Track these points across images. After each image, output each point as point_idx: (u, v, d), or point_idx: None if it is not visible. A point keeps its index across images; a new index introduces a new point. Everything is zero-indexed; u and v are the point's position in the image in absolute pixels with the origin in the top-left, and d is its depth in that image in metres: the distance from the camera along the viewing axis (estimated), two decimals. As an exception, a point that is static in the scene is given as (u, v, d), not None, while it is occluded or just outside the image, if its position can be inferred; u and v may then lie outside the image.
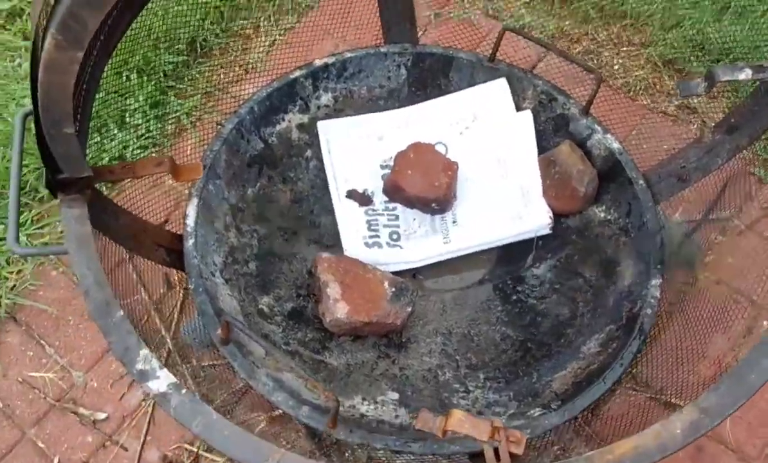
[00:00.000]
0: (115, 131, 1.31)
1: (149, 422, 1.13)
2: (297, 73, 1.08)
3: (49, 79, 0.59)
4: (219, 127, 1.00)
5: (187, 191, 1.05)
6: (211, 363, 0.97)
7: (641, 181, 1.02)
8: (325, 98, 1.11)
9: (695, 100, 1.37)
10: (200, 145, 1.33)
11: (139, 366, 0.65)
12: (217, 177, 0.99)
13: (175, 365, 0.96)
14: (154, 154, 1.34)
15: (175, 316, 1.18)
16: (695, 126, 1.37)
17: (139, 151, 1.32)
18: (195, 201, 0.94)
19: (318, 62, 1.09)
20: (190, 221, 0.92)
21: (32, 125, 0.68)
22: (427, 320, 1.05)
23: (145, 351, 0.66)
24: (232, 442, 0.61)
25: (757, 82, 0.86)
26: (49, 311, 1.21)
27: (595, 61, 1.43)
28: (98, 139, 1.26)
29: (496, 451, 0.62)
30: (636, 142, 1.23)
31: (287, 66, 1.10)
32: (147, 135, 1.34)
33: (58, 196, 0.74)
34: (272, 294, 1.00)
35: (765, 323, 1.24)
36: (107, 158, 1.29)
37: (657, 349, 0.98)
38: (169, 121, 1.37)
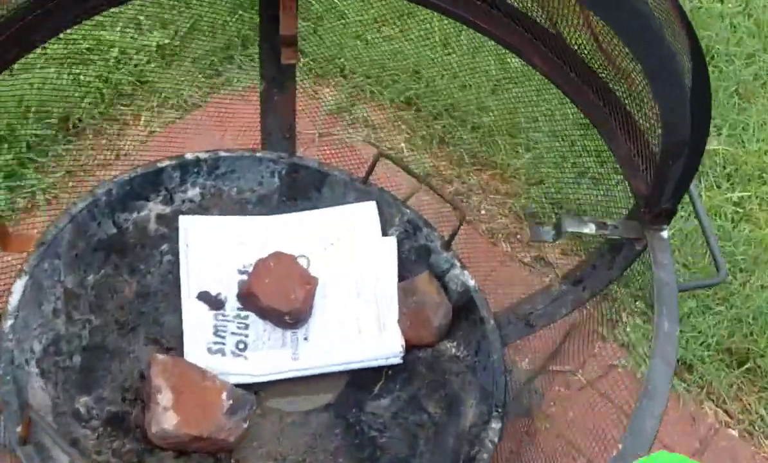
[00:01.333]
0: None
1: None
2: (166, 163, 1.04)
3: None
4: (71, 204, 0.93)
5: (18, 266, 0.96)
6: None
7: (492, 322, 1.04)
8: (192, 193, 1.08)
9: (551, 254, 1.45)
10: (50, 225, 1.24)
11: None
12: (56, 256, 0.91)
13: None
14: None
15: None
16: (549, 278, 1.44)
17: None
18: (24, 278, 0.86)
19: (189, 155, 1.06)
20: (14, 300, 0.84)
21: None
22: (261, 441, 0.99)
23: None
24: None
25: (602, 239, 0.92)
26: None
27: (464, 202, 1.49)
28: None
29: None
30: (492, 286, 1.27)
31: (160, 157, 1.06)
32: (-8, 205, 1.24)
33: None
34: (94, 394, 0.91)
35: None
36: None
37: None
38: (22, 194, 1.28)
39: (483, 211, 1.49)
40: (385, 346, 1.05)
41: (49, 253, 0.90)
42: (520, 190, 1.51)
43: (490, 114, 1.55)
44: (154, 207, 1.05)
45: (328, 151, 1.41)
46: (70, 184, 1.32)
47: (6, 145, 1.33)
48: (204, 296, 1.05)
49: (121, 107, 1.52)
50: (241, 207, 1.12)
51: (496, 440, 0.93)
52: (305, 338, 1.06)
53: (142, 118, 1.52)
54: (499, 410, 0.96)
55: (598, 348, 1.41)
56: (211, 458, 0.94)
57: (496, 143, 1.54)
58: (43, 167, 1.35)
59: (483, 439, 0.93)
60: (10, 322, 0.82)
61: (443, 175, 1.51)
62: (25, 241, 0.74)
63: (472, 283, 1.08)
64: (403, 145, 1.54)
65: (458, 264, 1.09)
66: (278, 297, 1.03)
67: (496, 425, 0.95)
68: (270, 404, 1.03)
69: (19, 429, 0.74)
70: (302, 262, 1.10)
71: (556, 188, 1.46)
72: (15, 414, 0.77)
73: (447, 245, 1.10)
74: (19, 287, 0.85)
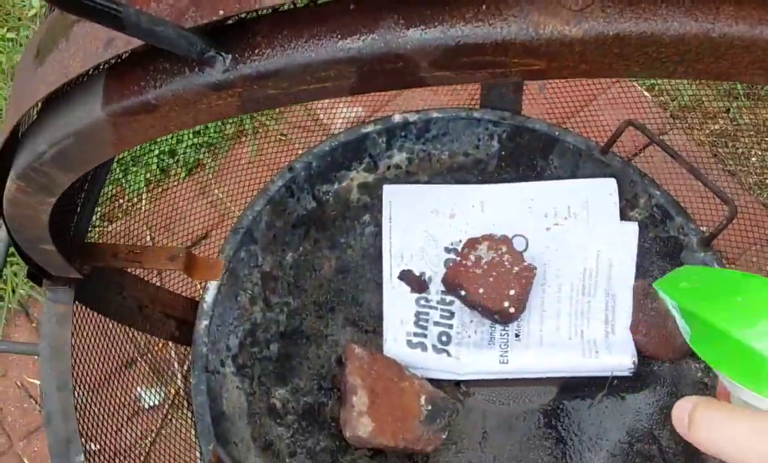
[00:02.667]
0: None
1: (144, 463, 1.03)
2: (370, 128, 0.91)
3: (14, 212, 0.45)
4: (268, 182, 0.85)
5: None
6: None
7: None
8: (399, 158, 0.94)
9: None
10: (258, 156, 1.18)
11: None
12: (252, 242, 0.84)
13: None
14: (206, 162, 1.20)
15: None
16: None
17: (191, 150, 1.19)
18: (223, 270, 0.80)
19: (397, 118, 0.92)
20: (209, 297, 0.79)
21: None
22: (462, 446, 0.90)
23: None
24: None
25: None
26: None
27: (729, 147, 1.19)
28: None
29: None
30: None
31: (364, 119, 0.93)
32: (205, 132, 1.21)
33: (42, 285, 0.62)
34: (290, 385, 0.86)
35: None
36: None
37: None
38: (230, 121, 1.22)
39: (753, 159, 1.19)
40: (611, 358, 0.89)
41: (246, 239, 0.83)
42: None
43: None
44: (357, 176, 0.93)
45: (560, 111, 1.17)
46: (278, 110, 1.23)
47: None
48: (406, 276, 0.94)
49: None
50: (452, 175, 0.96)
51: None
52: (516, 336, 0.92)
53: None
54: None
55: None
56: (408, 459, 0.88)
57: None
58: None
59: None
60: (204, 323, 0.78)
61: (707, 110, 1.21)
62: (212, 269, 0.67)
63: (735, 298, 0.85)
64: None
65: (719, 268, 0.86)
66: (488, 292, 0.89)
67: (747, 494, 0.76)
68: (471, 401, 0.93)
69: (209, 455, 0.71)
70: (519, 243, 0.94)
71: None
72: (207, 429, 0.74)
73: (707, 243, 0.87)
74: (213, 283, 0.79)
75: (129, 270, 0.75)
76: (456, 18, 0.27)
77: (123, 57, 0.32)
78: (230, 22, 0.29)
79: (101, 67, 0.32)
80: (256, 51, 0.28)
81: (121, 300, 0.73)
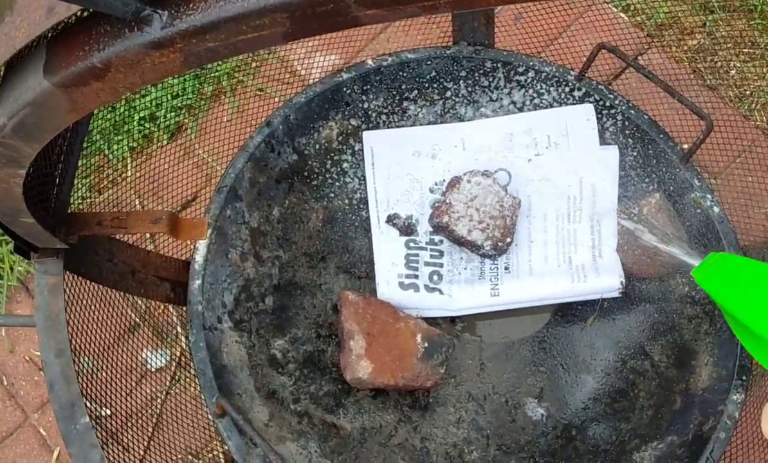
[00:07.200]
0: (151, 89, 1.18)
1: (155, 425, 1.06)
2: (345, 76, 0.91)
3: (-14, 185, 0.46)
4: (247, 138, 0.85)
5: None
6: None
7: (740, 263, 0.84)
8: (375, 103, 0.95)
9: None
10: (238, 113, 1.19)
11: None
12: (237, 199, 0.85)
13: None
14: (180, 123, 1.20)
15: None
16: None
17: (173, 114, 1.19)
18: (208, 231, 0.82)
19: (370, 63, 0.92)
20: (200, 257, 0.80)
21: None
22: (461, 378, 0.92)
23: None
24: None
25: None
26: (65, 284, 1.14)
27: (708, 62, 1.19)
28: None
29: None
30: (741, 176, 1.03)
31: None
32: (183, 94, 1.21)
33: (31, 258, 0.63)
34: (288, 335, 0.88)
35: None
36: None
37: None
38: (208, 81, 1.22)
39: (733, 72, 1.18)
40: (600, 280, 0.90)
41: (230, 197, 0.84)
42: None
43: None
44: (336, 125, 0.93)
45: (537, 41, 1.15)
46: (253, 65, 1.23)
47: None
48: (393, 220, 0.95)
49: None
50: (430, 114, 0.97)
51: (736, 416, 0.78)
52: (506, 269, 0.94)
53: None
54: (744, 379, 0.79)
55: None
56: (409, 396, 0.91)
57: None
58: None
59: (720, 412, 0.79)
60: (197, 282, 0.79)
61: (683, 25, 1.20)
62: (196, 228, 0.68)
63: (716, 210, 0.86)
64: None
65: (699, 184, 0.87)
66: (475, 228, 0.90)
67: (737, 396, 0.79)
68: (467, 335, 0.95)
69: (213, 407, 0.73)
70: (502, 176, 0.95)
71: None
72: (210, 383, 0.76)
73: (686, 159, 0.88)
74: (202, 242, 0.81)
75: (118, 237, 0.76)
76: (380, -47, 0.27)
77: (68, 24, 0.32)
78: (164, -22, 0.30)
79: (47, 36, 0.32)
80: (191, 5, 0.29)
81: (112, 266, 0.74)
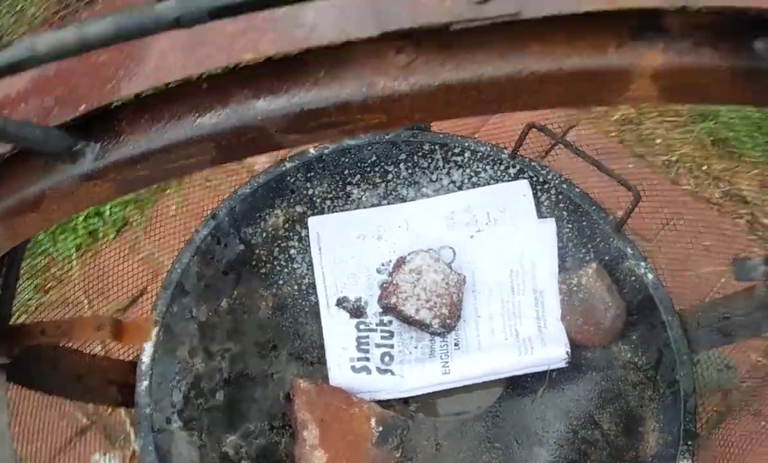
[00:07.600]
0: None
1: None
2: (288, 165, 0.93)
3: None
4: (193, 232, 0.86)
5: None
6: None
7: (677, 327, 0.87)
8: (320, 190, 0.97)
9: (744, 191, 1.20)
10: (184, 206, 1.19)
11: None
12: (184, 294, 0.86)
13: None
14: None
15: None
16: (744, 220, 1.20)
17: (118, 208, 1.19)
18: (154, 331, 0.81)
19: (312, 151, 0.94)
20: (146, 357, 0.80)
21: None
22: (417, 460, 0.92)
23: None
24: None
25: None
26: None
27: (634, 132, 1.26)
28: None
29: None
30: (674, 238, 1.07)
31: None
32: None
33: (-32, 373, 0.62)
34: (241, 430, 0.87)
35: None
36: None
37: None
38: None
39: (659, 141, 1.25)
40: (546, 351, 0.92)
41: (177, 293, 0.84)
42: (707, 111, 1.24)
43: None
44: (281, 213, 0.95)
45: (470, 123, 1.20)
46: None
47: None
48: (343, 303, 0.96)
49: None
50: (374, 196, 0.99)
51: (685, 480, 0.80)
52: (456, 345, 0.95)
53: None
54: (689, 443, 0.81)
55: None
56: (365, 481, 0.90)
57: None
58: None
59: (670, 481, 0.80)
60: (144, 384, 0.78)
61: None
62: (141, 331, 0.68)
63: (651, 277, 0.90)
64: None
65: (632, 253, 0.91)
66: (422, 306, 0.92)
67: (684, 462, 0.81)
68: (421, 416, 0.95)
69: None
70: (447, 254, 0.98)
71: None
72: (161, 489, 0.74)
73: (617, 229, 0.92)
74: (148, 343, 0.80)
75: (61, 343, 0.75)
76: (299, 86, 0.29)
77: (2, 158, 0.34)
78: (96, 112, 0.31)
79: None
80: (122, 138, 0.30)
81: (57, 374, 0.73)
